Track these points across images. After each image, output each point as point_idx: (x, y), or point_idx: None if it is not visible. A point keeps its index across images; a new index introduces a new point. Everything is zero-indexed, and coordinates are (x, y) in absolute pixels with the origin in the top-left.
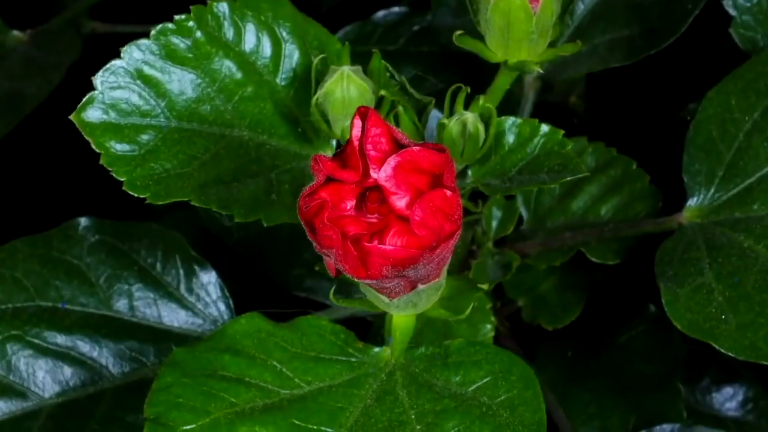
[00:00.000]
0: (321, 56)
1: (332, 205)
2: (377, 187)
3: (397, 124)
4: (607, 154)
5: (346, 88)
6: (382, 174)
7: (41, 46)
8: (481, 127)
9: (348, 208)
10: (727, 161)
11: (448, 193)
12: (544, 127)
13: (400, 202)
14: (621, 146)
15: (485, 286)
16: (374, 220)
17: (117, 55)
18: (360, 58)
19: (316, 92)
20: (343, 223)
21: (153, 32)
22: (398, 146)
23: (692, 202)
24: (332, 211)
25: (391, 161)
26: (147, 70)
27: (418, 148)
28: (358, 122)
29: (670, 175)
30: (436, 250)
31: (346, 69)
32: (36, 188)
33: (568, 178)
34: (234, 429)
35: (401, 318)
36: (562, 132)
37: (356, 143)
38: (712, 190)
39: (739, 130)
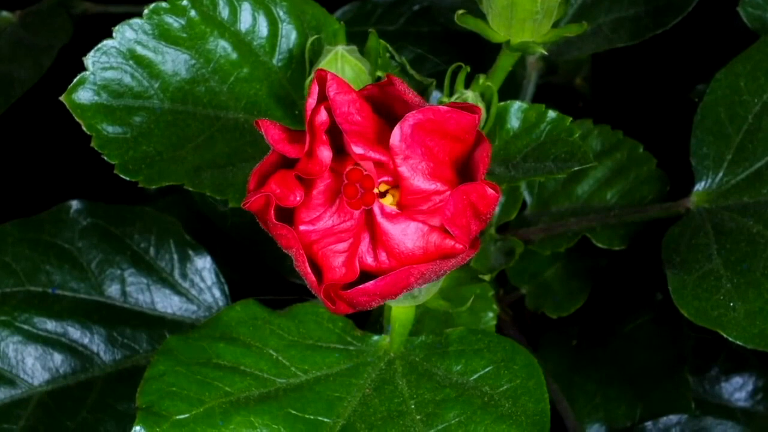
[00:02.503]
0: (315, 37)
1: (280, 197)
2: (353, 180)
3: None
4: (613, 137)
5: (341, 69)
6: (396, 134)
7: (31, 27)
8: (482, 106)
9: (299, 200)
10: (736, 144)
11: (489, 190)
12: (551, 113)
13: (413, 173)
14: (627, 129)
15: (487, 277)
16: (347, 226)
17: (109, 35)
18: (359, 38)
19: (310, 73)
20: (305, 235)
21: (146, 11)
22: (381, 115)
23: (700, 186)
24: (299, 217)
25: (411, 119)
26: (140, 50)
27: (444, 107)
28: (314, 89)
29: (677, 158)
30: (450, 261)
31: (341, 49)
32: (27, 171)
33: (576, 168)
34: (229, 418)
35: (400, 309)
36: (570, 119)
37: (308, 113)
38: (721, 174)
39: (749, 112)
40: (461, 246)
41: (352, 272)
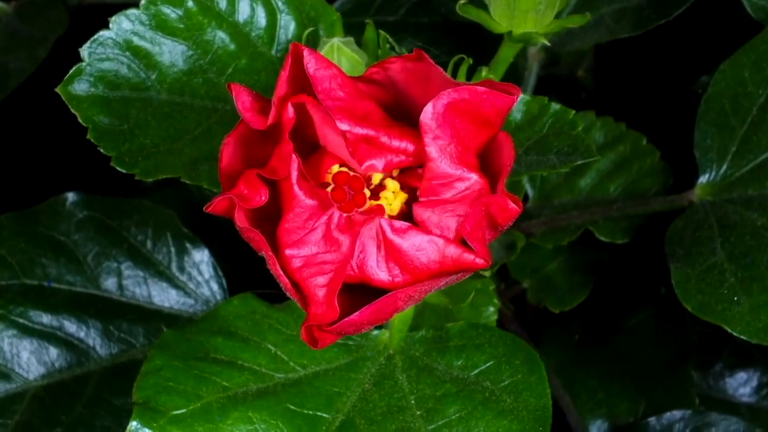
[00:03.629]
0: (310, 29)
1: (246, 198)
2: (340, 183)
3: None
4: (616, 129)
5: (337, 61)
6: (427, 111)
7: (26, 18)
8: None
9: (264, 200)
10: (740, 136)
11: (511, 204)
12: (554, 106)
13: (440, 156)
14: (630, 121)
15: (488, 271)
16: (330, 258)
17: (105, 26)
18: (358, 29)
19: None
20: (288, 261)
21: (143, 2)
22: (368, 92)
23: (704, 178)
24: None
25: (445, 97)
26: (136, 41)
27: (482, 88)
28: (288, 63)
29: (681, 151)
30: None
31: (337, 41)
32: (22, 163)
33: (579, 162)
34: (226, 414)
35: None
36: (573, 111)
37: (282, 88)
38: (725, 167)
39: (753, 104)
40: (482, 261)
41: (332, 310)
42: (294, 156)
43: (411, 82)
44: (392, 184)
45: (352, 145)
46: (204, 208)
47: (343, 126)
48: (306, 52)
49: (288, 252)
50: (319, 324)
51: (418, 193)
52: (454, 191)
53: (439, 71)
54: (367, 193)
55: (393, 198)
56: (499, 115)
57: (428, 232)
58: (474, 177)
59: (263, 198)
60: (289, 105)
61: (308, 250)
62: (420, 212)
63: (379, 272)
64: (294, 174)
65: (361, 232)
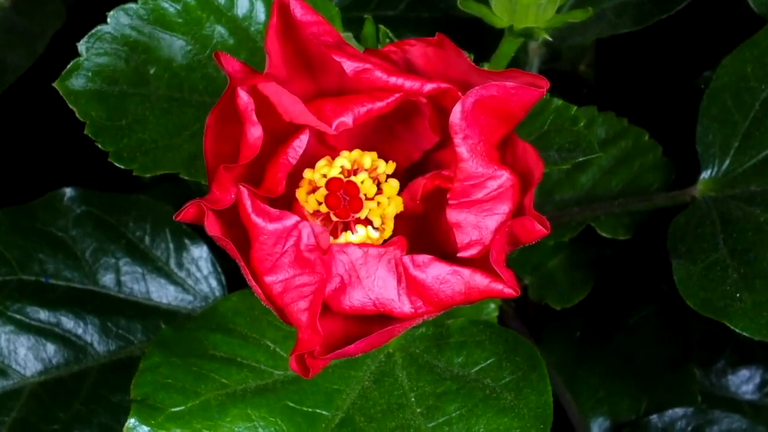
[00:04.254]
0: None
1: (217, 200)
2: (334, 189)
3: None
4: (618, 124)
5: None
6: (456, 111)
7: (23, 13)
8: None
9: (233, 198)
10: (743, 132)
11: (538, 227)
12: (556, 101)
13: (471, 155)
14: (632, 116)
15: None
16: (306, 281)
17: (103, 20)
18: (357, 24)
19: None
20: (268, 288)
21: None
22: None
23: (706, 174)
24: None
25: (474, 94)
26: (135, 35)
27: (510, 83)
28: (276, 8)
29: (683, 146)
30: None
31: None
32: (20, 158)
33: (581, 159)
34: (225, 411)
35: None
36: (575, 107)
37: (273, 35)
38: (727, 162)
39: (756, 99)
40: (511, 290)
41: (316, 334)
42: (242, 188)
43: (430, 67)
44: (388, 189)
45: (316, 107)
46: (174, 217)
47: (339, 57)
48: (292, 2)
49: (267, 279)
50: (310, 351)
51: (448, 196)
52: (486, 191)
53: (461, 58)
54: (363, 197)
55: (387, 203)
56: (525, 110)
57: (451, 263)
58: (505, 175)
59: (232, 196)
60: (240, 91)
61: (285, 274)
62: (454, 215)
63: (402, 306)
64: (247, 204)
65: (351, 254)
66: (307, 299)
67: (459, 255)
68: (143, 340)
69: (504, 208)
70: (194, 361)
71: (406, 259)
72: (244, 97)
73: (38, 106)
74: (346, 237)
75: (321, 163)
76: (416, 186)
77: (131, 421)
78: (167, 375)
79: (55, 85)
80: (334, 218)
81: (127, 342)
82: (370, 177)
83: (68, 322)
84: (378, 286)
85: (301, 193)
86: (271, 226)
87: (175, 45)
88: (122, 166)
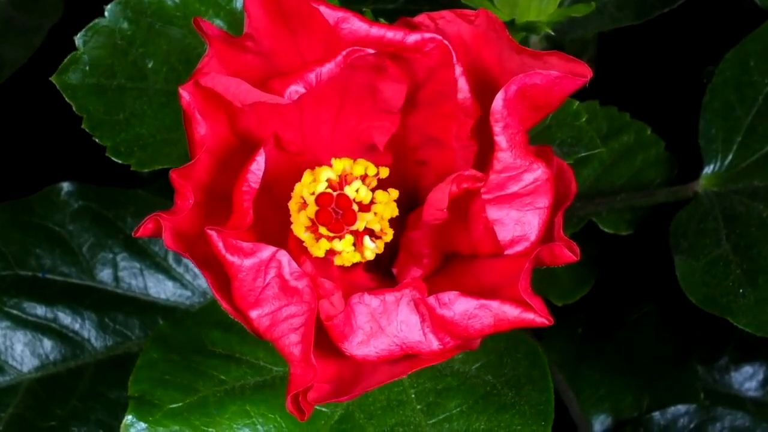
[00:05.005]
0: None
1: (178, 208)
2: (324, 204)
3: None
4: (620, 119)
5: None
6: (499, 98)
7: (20, 6)
8: None
9: (191, 203)
10: (746, 126)
11: (568, 253)
12: None
13: (510, 145)
14: (634, 111)
15: None
16: (294, 311)
17: (100, 13)
18: None
19: None
20: (257, 322)
21: None
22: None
23: (709, 169)
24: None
25: (517, 82)
26: (133, 29)
27: (554, 73)
28: None
29: (685, 141)
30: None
31: None
32: (16, 152)
33: (582, 154)
34: (224, 408)
35: None
36: (576, 102)
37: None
38: (730, 157)
39: (759, 94)
40: (543, 320)
41: (310, 368)
42: (210, 232)
43: (460, 43)
44: (381, 195)
45: (270, 85)
46: (133, 234)
47: (317, 4)
48: None
49: (252, 314)
50: (305, 390)
51: (483, 191)
52: (523, 183)
53: (500, 37)
54: (356, 207)
55: (383, 209)
56: (562, 101)
57: (477, 297)
58: (541, 168)
59: (191, 201)
60: (182, 91)
61: (270, 306)
62: (494, 212)
63: (430, 344)
64: (219, 244)
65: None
66: (298, 332)
67: (506, 252)
68: (141, 336)
69: (544, 202)
70: (192, 357)
71: (431, 300)
72: (185, 96)
73: (35, 100)
74: (340, 245)
75: (307, 179)
76: (439, 195)
77: (128, 418)
78: (165, 371)
79: (52, 79)
80: (327, 233)
81: (125, 338)
82: (363, 184)
83: (65, 318)
84: (402, 330)
85: (292, 206)
86: (248, 262)
87: (174, 38)
88: (120, 161)
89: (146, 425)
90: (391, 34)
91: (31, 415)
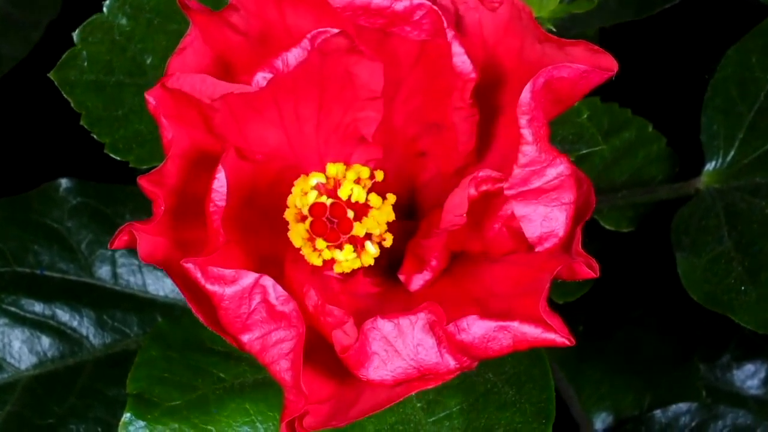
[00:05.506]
0: None
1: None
2: (318, 215)
3: None
4: (621, 115)
5: None
6: (527, 91)
7: (18, 2)
8: None
9: (163, 209)
10: (748, 123)
11: (586, 270)
12: None
13: (535, 139)
14: (636, 107)
15: None
16: (282, 335)
17: (99, 9)
18: None
19: None
20: (249, 346)
21: None
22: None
23: (710, 166)
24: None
25: (545, 74)
26: (131, 24)
27: (582, 66)
28: None
29: (687, 137)
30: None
31: None
32: (15, 149)
33: (584, 151)
34: (223, 406)
35: None
36: None
37: None
38: (732, 153)
39: (761, 90)
40: (564, 339)
41: (300, 395)
42: (186, 265)
43: (478, 30)
44: (375, 199)
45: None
46: (108, 246)
47: None
48: None
49: (243, 338)
50: (300, 416)
51: (506, 186)
52: (546, 179)
53: (525, 23)
54: (351, 214)
55: (379, 214)
56: (584, 94)
57: (496, 319)
58: (563, 163)
59: (162, 208)
60: (147, 96)
61: (259, 331)
62: (521, 209)
63: (447, 364)
64: (198, 276)
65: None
66: (288, 358)
67: (537, 249)
68: (139, 333)
69: (569, 197)
70: (191, 355)
71: (451, 327)
72: (151, 101)
73: (33, 96)
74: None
75: (298, 188)
76: (456, 200)
77: (127, 416)
78: (164, 369)
79: (50, 75)
80: (324, 243)
81: (123, 335)
82: (359, 186)
83: (63, 315)
84: (419, 353)
85: (289, 217)
86: (230, 291)
87: (173, 34)
88: (118, 158)
89: (145, 423)
90: (378, 0)
91: (29, 412)
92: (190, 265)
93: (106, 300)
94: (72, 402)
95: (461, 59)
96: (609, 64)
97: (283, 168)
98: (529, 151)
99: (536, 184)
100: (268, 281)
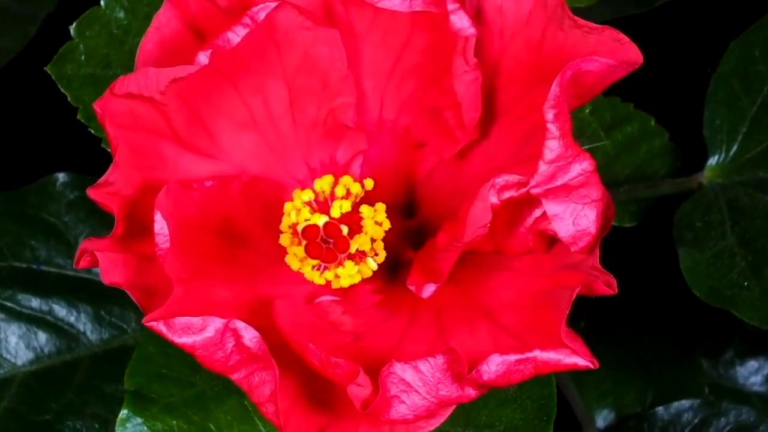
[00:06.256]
0: None
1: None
2: (312, 237)
3: None
4: (624, 109)
5: None
6: (557, 84)
7: None
8: None
9: (120, 232)
10: (751, 117)
11: (606, 289)
12: None
13: (561, 134)
14: (638, 101)
15: None
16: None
17: (96, 2)
18: None
19: None
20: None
21: None
22: None
23: (713, 160)
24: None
25: (573, 68)
26: (129, 18)
27: (609, 60)
28: None
29: (690, 132)
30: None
31: None
32: (11, 142)
33: (586, 146)
34: (221, 402)
35: None
36: None
37: None
38: (735, 148)
39: (764, 84)
40: (586, 363)
41: None
42: (152, 324)
43: (497, 19)
44: (368, 211)
45: None
46: (74, 265)
47: None
48: None
49: (233, 377)
50: None
51: (532, 184)
52: (570, 175)
53: (550, 11)
54: (346, 230)
55: (373, 228)
56: (606, 87)
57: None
58: (587, 159)
59: (120, 230)
60: (96, 107)
61: (243, 372)
62: (552, 207)
63: (469, 394)
64: (164, 330)
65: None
66: (271, 401)
67: (573, 249)
68: (137, 328)
69: (597, 194)
70: None
71: (473, 374)
72: (98, 111)
73: (30, 90)
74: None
75: (288, 208)
76: (479, 213)
77: (124, 412)
78: (162, 365)
79: (47, 69)
80: (320, 264)
81: (121, 331)
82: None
83: (60, 310)
84: (440, 391)
85: (285, 242)
86: (200, 339)
87: None
88: None
89: (142, 420)
90: None
91: (25, 409)
92: (153, 324)
93: (103, 295)
94: (69, 398)
95: (458, 17)
96: (635, 57)
97: (266, 188)
98: (555, 146)
99: (561, 180)
100: (238, 324)
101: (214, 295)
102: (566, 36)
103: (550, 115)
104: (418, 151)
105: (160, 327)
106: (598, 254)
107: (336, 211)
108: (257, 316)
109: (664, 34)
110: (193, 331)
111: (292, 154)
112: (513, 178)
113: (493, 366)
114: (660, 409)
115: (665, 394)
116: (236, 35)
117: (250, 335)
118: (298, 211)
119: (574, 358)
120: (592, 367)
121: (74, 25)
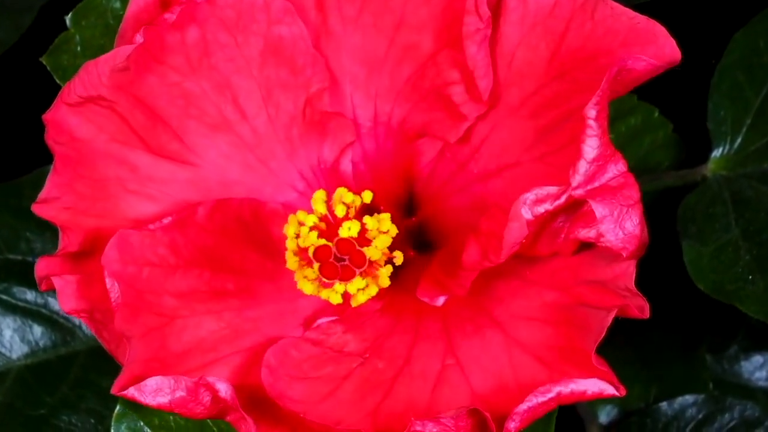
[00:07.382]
0: None
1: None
2: (324, 259)
3: None
4: (628, 101)
5: None
6: (604, 82)
7: None
8: None
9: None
10: (756, 108)
11: (636, 312)
12: None
13: (601, 131)
14: (642, 93)
15: None
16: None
17: None
18: None
19: None
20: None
21: None
22: None
23: (717, 152)
24: None
25: (618, 64)
26: (125, 7)
27: (644, 58)
28: None
29: (694, 123)
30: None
31: None
32: (6, 135)
33: None
34: None
35: None
36: None
37: None
38: (739, 140)
39: None
40: (614, 390)
41: None
42: (124, 393)
43: (517, 11)
44: (371, 222)
45: None
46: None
47: None
48: None
49: (227, 419)
50: None
51: (573, 184)
52: (608, 175)
53: (576, 2)
54: (357, 245)
55: (378, 236)
56: (633, 87)
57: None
58: (621, 159)
59: (76, 247)
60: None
61: (231, 417)
62: (600, 209)
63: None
64: (137, 395)
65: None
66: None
67: (623, 255)
68: None
69: (636, 195)
70: None
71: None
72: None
73: (25, 81)
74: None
75: (290, 232)
76: (515, 233)
77: (120, 408)
78: None
79: (42, 59)
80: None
81: None
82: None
83: (56, 303)
84: None
85: (292, 265)
86: (175, 398)
87: None
88: None
89: (138, 415)
90: None
91: (20, 403)
92: (128, 392)
93: None
94: (64, 392)
95: None
96: (674, 54)
97: (236, 206)
98: (596, 144)
99: (600, 181)
100: (209, 379)
101: (203, 330)
102: (595, 26)
103: (593, 113)
104: (416, 142)
105: (132, 393)
106: (633, 275)
107: (345, 232)
108: (254, 356)
109: (667, 24)
110: (166, 393)
111: (274, 155)
112: (544, 190)
113: (518, 419)
114: (664, 405)
115: (669, 390)
116: (172, 14)
117: (223, 388)
118: (302, 236)
119: (601, 386)
120: (620, 395)
121: (70, 15)
